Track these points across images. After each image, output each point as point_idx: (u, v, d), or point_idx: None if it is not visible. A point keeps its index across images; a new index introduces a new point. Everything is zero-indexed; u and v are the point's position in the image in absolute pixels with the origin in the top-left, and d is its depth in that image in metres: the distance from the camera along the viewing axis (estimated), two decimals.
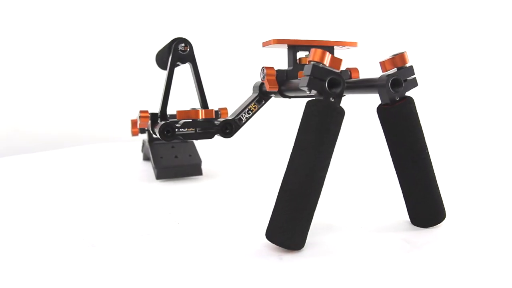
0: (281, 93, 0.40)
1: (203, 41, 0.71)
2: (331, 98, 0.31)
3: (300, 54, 0.41)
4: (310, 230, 0.32)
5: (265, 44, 0.40)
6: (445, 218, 0.36)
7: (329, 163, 0.31)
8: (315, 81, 0.31)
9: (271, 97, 0.44)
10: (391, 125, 0.34)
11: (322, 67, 0.31)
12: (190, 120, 0.43)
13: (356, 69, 0.42)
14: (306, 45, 0.40)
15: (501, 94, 1.16)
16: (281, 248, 0.31)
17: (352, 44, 0.41)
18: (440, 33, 1.20)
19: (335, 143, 0.31)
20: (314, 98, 0.31)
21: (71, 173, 0.63)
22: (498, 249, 0.31)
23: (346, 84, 0.39)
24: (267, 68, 0.39)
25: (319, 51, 0.31)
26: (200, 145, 0.79)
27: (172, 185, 0.54)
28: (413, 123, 0.34)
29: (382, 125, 0.34)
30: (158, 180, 0.56)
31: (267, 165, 0.70)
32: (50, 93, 0.97)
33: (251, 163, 0.72)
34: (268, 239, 0.31)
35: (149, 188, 0.53)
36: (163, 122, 0.41)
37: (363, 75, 0.42)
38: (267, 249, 0.31)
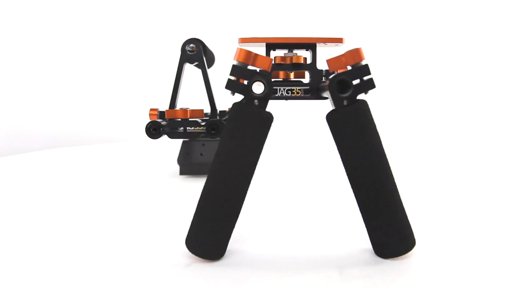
0: None
1: (217, 40, 0.69)
2: (255, 102, 0.28)
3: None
4: (247, 238, 0.30)
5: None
6: (414, 247, 0.29)
7: (248, 170, 0.29)
8: (236, 83, 0.28)
9: (273, 98, 0.42)
10: (338, 134, 0.29)
11: (243, 68, 0.28)
12: (179, 119, 0.43)
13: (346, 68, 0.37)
14: (282, 43, 0.37)
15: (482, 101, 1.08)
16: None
17: (338, 40, 0.36)
18: (435, 28, 1.09)
19: (257, 150, 0.28)
20: (237, 101, 0.29)
21: (97, 170, 0.67)
22: None
23: (320, 85, 0.35)
24: None
25: (243, 50, 0.28)
26: None
27: (191, 182, 0.55)
28: (363, 131, 0.28)
29: (332, 135, 0.30)
30: (181, 176, 0.58)
31: (293, 169, 0.67)
32: (55, 94, 0.99)
33: (276, 165, 0.69)
34: (187, 248, 0.30)
35: (167, 182, 0.55)
36: (150, 120, 0.43)
37: None
38: (185, 256, 0.30)
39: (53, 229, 0.37)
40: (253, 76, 0.28)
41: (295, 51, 0.38)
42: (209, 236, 0.29)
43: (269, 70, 0.29)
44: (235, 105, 0.28)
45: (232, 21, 1.05)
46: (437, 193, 0.50)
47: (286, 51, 0.38)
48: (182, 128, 0.43)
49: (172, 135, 0.44)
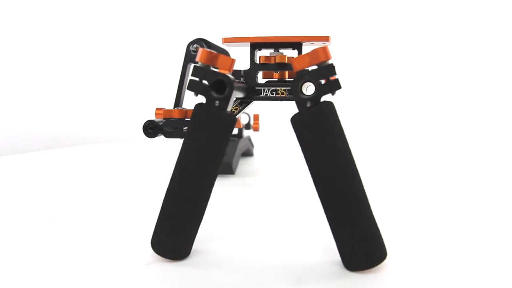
0: None
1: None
2: (216, 103, 0.28)
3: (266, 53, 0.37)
4: (219, 238, 0.31)
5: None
6: (385, 259, 0.27)
7: (208, 171, 0.28)
8: (198, 84, 0.28)
9: (253, 100, 0.41)
10: (301, 138, 0.28)
11: (204, 69, 0.28)
12: (175, 119, 0.44)
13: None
14: (266, 43, 0.36)
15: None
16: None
17: (324, 39, 0.35)
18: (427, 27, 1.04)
19: (217, 151, 0.28)
20: (199, 102, 0.28)
21: (102, 169, 0.67)
22: None
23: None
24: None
25: (205, 51, 0.28)
26: (259, 143, 0.79)
27: None
28: (326, 135, 0.27)
29: (296, 138, 0.28)
30: None
31: (280, 170, 0.65)
32: (55, 94, 0.97)
33: (263, 166, 0.68)
34: (152, 248, 0.30)
35: None
36: (147, 119, 0.44)
37: (346, 74, 0.35)
38: (150, 255, 0.30)
39: (43, 226, 0.39)
40: (214, 77, 0.27)
41: (281, 51, 0.37)
42: (171, 237, 0.29)
43: (231, 71, 0.28)
44: (197, 106, 0.28)
45: (235, 21, 1.04)
46: (417, 201, 0.47)
47: (272, 50, 0.37)
48: (178, 127, 0.44)
49: (168, 135, 0.45)
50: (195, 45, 0.50)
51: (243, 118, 0.68)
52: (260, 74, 0.37)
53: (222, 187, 0.53)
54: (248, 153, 0.74)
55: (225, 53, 0.56)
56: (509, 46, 1.03)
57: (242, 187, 0.54)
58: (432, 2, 1.04)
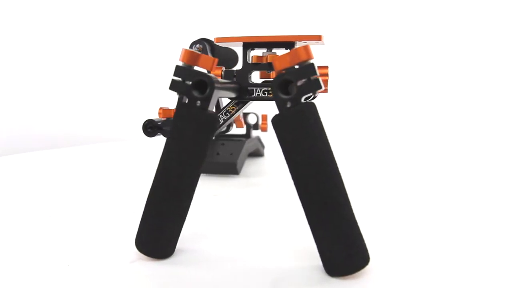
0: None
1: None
2: (197, 102, 0.28)
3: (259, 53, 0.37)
4: (205, 237, 0.31)
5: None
6: (367, 265, 0.27)
7: (189, 171, 0.28)
8: (179, 84, 0.28)
9: (248, 100, 0.41)
10: (281, 139, 0.27)
11: (185, 68, 0.28)
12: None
13: (325, 67, 0.35)
14: (259, 42, 0.35)
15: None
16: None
17: (316, 38, 0.34)
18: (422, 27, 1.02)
19: (198, 151, 0.28)
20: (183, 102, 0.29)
21: (102, 169, 0.67)
22: None
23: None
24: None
25: (187, 51, 0.28)
26: (270, 144, 0.78)
27: (202, 179, 0.56)
28: (306, 136, 0.26)
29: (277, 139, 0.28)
30: None
31: (273, 170, 0.64)
32: (55, 94, 0.98)
33: (256, 167, 0.67)
34: (136, 246, 0.30)
35: None
36: (147, 119, 0.44)
37: (339, 73, 0.34)
38: (134, 253, 0.31)
39: (40, 224, 0.39)
40: (195, 77, 0.27)
41: (274, 50, 0.36)
42: (153, 235, 0.29)
43: (213, 70, 0.28)
44: (179, 105, 0.28)
45: (229, 21, 1.03)
46: (401, 205, 0.45)
47: (264, 50, 0.37)
48: None
49: (166, 134, 0.45)
50: (197, 45, 0.50)
51: (251, 118, 0.68)
52: (253, 74, 0.37)
53: (224, 187, 0.53)
54: (257, 153, 0.74)
55: (231, 52, 0.56)
56: (501, 45, 0.99)
57: (244, 187, 0.53)
58: (425, 1, 1.02)
